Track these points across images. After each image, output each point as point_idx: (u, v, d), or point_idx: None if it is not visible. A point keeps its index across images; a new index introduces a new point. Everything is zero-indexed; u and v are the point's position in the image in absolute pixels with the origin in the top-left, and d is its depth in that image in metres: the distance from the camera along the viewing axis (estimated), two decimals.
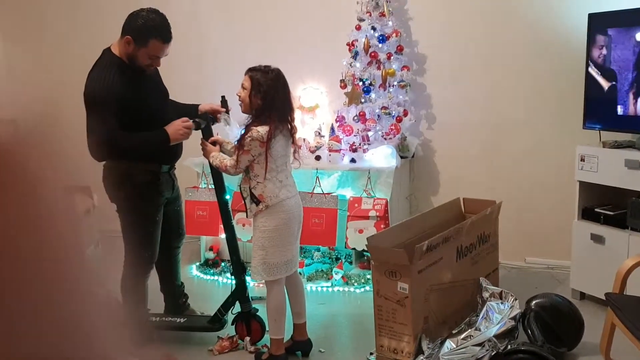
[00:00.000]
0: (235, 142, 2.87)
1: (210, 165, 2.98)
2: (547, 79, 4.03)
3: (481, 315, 2.84)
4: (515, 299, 2.89)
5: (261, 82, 2.71)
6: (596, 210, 3.46)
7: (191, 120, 2.87)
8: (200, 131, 3.00)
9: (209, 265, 4.34)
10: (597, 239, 3.41)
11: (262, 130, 2.67)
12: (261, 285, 3.96)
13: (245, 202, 2.83)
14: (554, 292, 3.18)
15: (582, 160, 3.47)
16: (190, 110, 3.06)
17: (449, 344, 2.69)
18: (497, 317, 2.81)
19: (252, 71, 2.76)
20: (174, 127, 2.79)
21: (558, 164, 3.99)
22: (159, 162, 2.91)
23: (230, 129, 3.98)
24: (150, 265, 2.99)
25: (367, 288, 3.79)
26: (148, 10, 2.76)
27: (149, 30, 2.70)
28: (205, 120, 3.00)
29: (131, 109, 2.72)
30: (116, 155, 2.78)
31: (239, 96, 2.78)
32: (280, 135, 2.75)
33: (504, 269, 3.95)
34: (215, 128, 3.14)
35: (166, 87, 3.07)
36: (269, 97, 2.71)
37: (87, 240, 0.53)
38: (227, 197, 3.20)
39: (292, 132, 2.83)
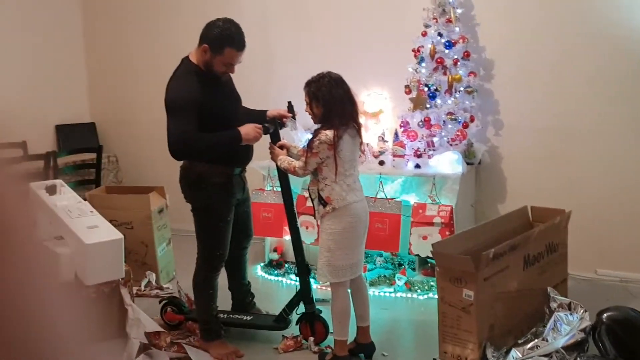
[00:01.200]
0: (304, 146, 2.96)
1: (278, 168, 3.07)
2: (620, 84, 3.90)
3: (549, 326, 2.79)
4: (585, 311, 2.82)
5: (316, 91, 2.83)
6: None
7: (261, 125, 2.98)
8: (268, 135, 3.10)
9: (273, 266, 4.43)
10: None
11: (330, 133, 2.77)
12: (325, 287, 4.02)
13: (313, 204, 2.91)
14: (626, 306, 3.08)
15: None
16: (259, 115, 3.17)
17: (515, 353, 2.66)
18: (565, 328, 2.75)
19: (307, 85, 2.89)
20: (247, 128, 2.92)
21: (631, 172, 3.86)
22: (232, 165, 3.03)
23: (295, 134, 4.08)
24: (221, 264, 3.10)
25: (431, 295, 3.78)
26: (224, 20, 2.90)
27: (224, 38, 2.84)
28: (273, 125, 3.10)
29: (208, 113, 2.85)
30: (193, 155, 2.94)
31: (307, 112, 2.92)
32: (348, 136, 2.81)
33: (573, 280, 3.84)
34: (282, 133, 3.23)
35: (239, 94, 3.19)
36: (327, 102, 2.81)
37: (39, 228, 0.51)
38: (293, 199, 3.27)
39: (358, 130, 2.89)
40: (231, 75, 3.12)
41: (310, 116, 2.93)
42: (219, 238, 3.04)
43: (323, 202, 2.82)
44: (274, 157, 3.06)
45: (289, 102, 3.24)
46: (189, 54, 3.00)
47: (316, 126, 2.93)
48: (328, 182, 2.81)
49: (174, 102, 2.87)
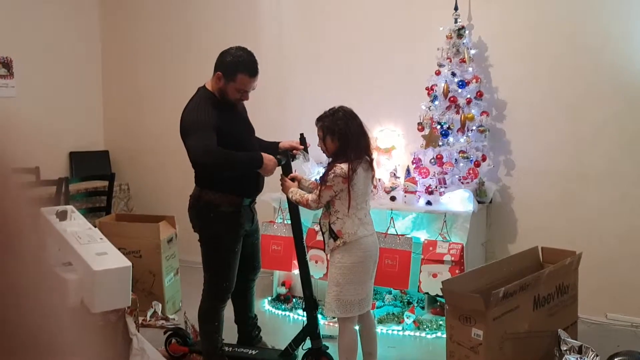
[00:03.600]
0: (316, 179, 2.97)
1: (288, 200, 3.07)
2: (634, 129, 3.90)
3: None
4: (597, 355, 2.77)
5: (331, 126, 2.84)
6: None
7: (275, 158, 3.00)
8: (280, 167, 3.11)
9: (280, 300, 4.40)
10: None
11: (344, 167, 2.77)
12: (332, 323, 3.98)
13: (323, 237, 2.90)
14: (637, 351, 3.02)
15: None
16: (271, 147, 3.19)
17: None
18: None
19: (320, 120, 2.91)
20: (268, 157, 2.94)
21: None
22: (242, 195, 3.03)
23: (307, 166, 4.10)
24: (227, 295, 3.08)
25: (439, 334, 3.73)
26: (236, 48, 2.97)
27: (236, 65, 2.90)
28: (285, 157, 3.11)
29: (222, 139, 2.87)
30: (217, 165, 2.89)
31: (320, 147, 2.93)
32: (361, 170, 2.83)
33: (583, 323, 3.77)
34: (293, 165, 3.24)
35: (252, 125, 3.22)
36: (344, 136, 2.82)
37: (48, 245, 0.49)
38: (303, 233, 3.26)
39: (371, 163, 2.90)
40: (246, 107, 3.16)
41: (322, 151, 2.94)
42: (225, 269, 3.02)
43: (334, 236, 2.81)
44: (285, 190, 3.06)
45: (301, 134, 3.26)
46: (205, 83, 3.05)
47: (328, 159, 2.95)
48: (340, 216, 2.80)
49: (192, 124, 2.89)
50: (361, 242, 2.81)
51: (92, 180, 5.19)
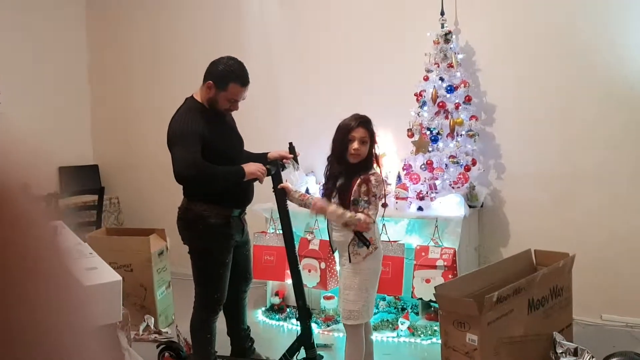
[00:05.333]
0: (309, 192, 2.95)
1: (280, 210, 3.05)
2: (623, 130, 3.92)
3: None
4: (592, 357, 2.76)
5: (373, 133, 2.82)
6: None
7: (264, 166, 2.97)
8: (270, 178, 3.09)
9: (274, 310, 4.37)
10: None
11: (379, 172, 2.81)
12: (326, 332, 3.96)
13: (348, 247, 2.76)
14: (633, 351, 3.01)
15: None
16: (260, 158, 3.16)
17: None
18: None
19: (368, 123, 2.81)
20: (252, 166, 2.90)
21: (636, 217, 3.84)
22: (231, 206, 3.01)
23: (295, 175, 4.09)
24: (219, 307, 3.05)
25: (434, 340, 3.71)
26: (227, 58, 2.96)
27: (228, 74, 2.89)
28: (275, 167, 3.09)
29: (211, 149, 2.85)
30: (200, 179, 2.83)
31: (357, 149, 2.75)
32: None
33: (578, 325, 3.77)
34: (284, 175, 3.22)
35: (241, 136, 3.20)
36: (373, 141, 2.83)
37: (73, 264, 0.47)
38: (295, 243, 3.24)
39: None
40: (236, 119, 3.15)
41: (352, 156, 2.75)
42: (216, 281, 2.99)
43: (367, 243, 2.75)
44: (321, 211, 2.81)
45: (290, 143, 3.24)
46: (193, 93, 3.03)
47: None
48: (371, 222, 2.79)
49: (179, 132, 2.85)
50: (380, 247, 2.87)
51: (82, 194, 5.15)
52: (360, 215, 2.69)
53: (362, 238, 2.74)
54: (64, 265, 0.47)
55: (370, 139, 2.79)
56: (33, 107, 5.52)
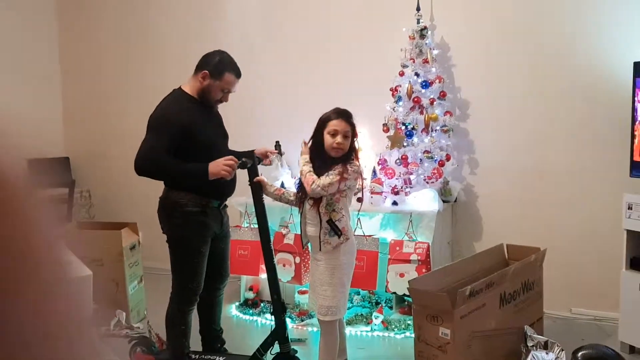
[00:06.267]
0: (285, 186, 2.94)
1: (256, 203, 3.03)
2: (593, 126, 3.99)
3: None
4: (562, 350, 2.81)
5: (354, 127, 2.84)
6: None
7: (239, 160, 2.94)
8: (247, 171, 3.07)
9: (248, 305, 4.35)
10: None
11: (359, 165, 2.82)
12: (300, 327, 3.96)
13: (319, 236, 2.80)
14: (601, 344, 3.07)
15: (630, 208, 3.39)
16: (246, 156, 3.15)
17: None
18: None
19: (351, 117, 2.84)
20: (215, 163, 2.87)
21: (605, 212, 3.91)
22: (208, 196, 2.99)
23: (279, 172, 4.08)
24: (194, 298, 3.03)
25: (408, 334, 3.73)
26: (220, 51, 3.04)
27: (224, 65, 2.97)
28: (251, 159, 3.07)
29: (193, 141, 2.87)
30: (154, 175, 2.91)
31: (340, 143, 2.77)
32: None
33: (548, 319, 3.83)
34: (269, 172, 3.19)
35: (226, 131, 3.21)
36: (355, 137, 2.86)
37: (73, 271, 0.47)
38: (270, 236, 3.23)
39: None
40: (220, 114, 3.14)
41: (335, 150, 2.79)
42: (191, 270, 2.98)
43: (339, 233, 2.76)
44: (301, 156, 2.95)
45: (277, 142, 3.25)
46: (181, 85, 3.05)
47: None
48: (344, 213, 2.79)
49: (155, 121, 2.89)
50: (353, 240, 2.87)
51: (52, 188, 5.05)
52: (310, 169, 2.77)
53: (333, 226, 2.75)
54: (55, 257, 0.46)
55: (352, 132, 2.81)
56: (0, 96, 5.38)
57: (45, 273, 0.43)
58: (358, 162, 2.83)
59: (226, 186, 3.03)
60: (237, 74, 3.02)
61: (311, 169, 2.80)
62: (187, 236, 2.96)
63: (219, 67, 2.95)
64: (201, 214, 2.97)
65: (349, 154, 2.81)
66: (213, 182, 2.90)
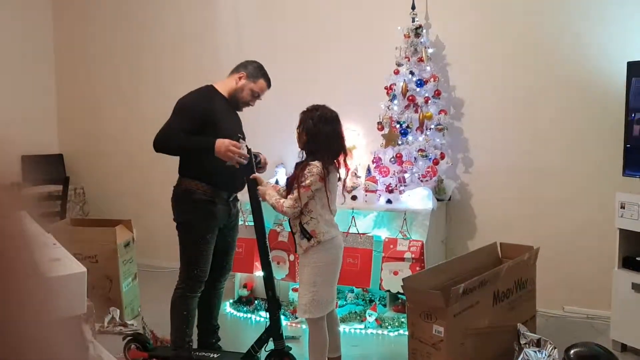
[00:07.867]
0: (283, 185, 2.95)
1: (252, 200, 3.04)
2: (587, 125, 4.01)
3: None
4: (554, 348, 2.82)
5: (304, 121, 2.86)
6: (637, 259, 3.38)
7: (246, 149, 3.00)
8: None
9: (242, 302, 4.35)
10: (639, 288, 3.32)
11: (319, 164, 2.76)
12: (294, 324, 3.96)
13: (294, 238, 2.88)
14: (593, 342, 3.09)
15: (622, 207, 3.41)
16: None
17: None
18: None
19: (302, 112, 2.91)
20: (222, 142, 2.94)
21: (598, 211, 3.93)
22: (218, 186, 3.07)
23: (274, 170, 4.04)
24: (198, 285, 3.09)
25: (402, 331, 3.75)
26: (257, 61, 3.29)
27: (261, 71, 3.25)
28: (249, 155, 3.06)
29: (213, 126, 3.00)
30: (166, 148, 3.03)
31: (296, 134, 2.92)
32: (333, 173, 2.83)
33: (541, 317, 3.86)
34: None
35: (245, 134, 3.27)
36: (312, 135, 2.81)
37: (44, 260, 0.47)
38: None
39: (337, 168, 2.90)
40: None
41: (296, 139, 2.91)
42: (196, 256, 3.05)
43: (307, 236, 2.78)
44: (261, 193, 2.95)
45: (247, 146, 3.21)
46: (213, 83, 3.19)
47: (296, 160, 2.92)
48: (313, 215, 2.79)
49: (179, 106, 3.06)
50: (334, 241, 2.84)
51: (46, 184, 5.03)
52: (273, 200, 2.82)
53: (302, 230, 2.79)
54: (29, 257, 0.46)
55: (300, 124, 2.86)
56: None
57: (17, 272, 0.42)
58: (318, 162, 2.77)
59: (236, 178, 3.10)
60: (269, 84, 3.26)
61: (276, 195, 2.87)
62: (193, 222, 3.06)
63: (256, 72, 3.20)
64: (209, 203, 3.06)
65: (312, 152, 2.81)
66: (224, 173, 2.98)
